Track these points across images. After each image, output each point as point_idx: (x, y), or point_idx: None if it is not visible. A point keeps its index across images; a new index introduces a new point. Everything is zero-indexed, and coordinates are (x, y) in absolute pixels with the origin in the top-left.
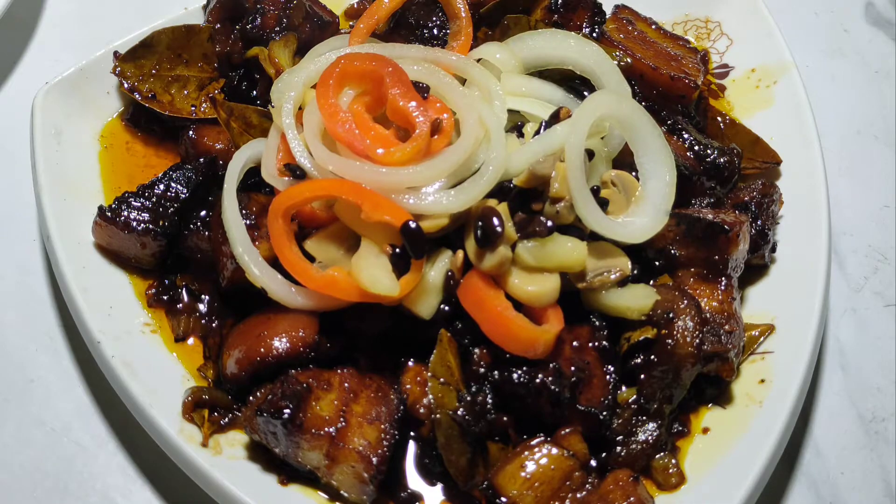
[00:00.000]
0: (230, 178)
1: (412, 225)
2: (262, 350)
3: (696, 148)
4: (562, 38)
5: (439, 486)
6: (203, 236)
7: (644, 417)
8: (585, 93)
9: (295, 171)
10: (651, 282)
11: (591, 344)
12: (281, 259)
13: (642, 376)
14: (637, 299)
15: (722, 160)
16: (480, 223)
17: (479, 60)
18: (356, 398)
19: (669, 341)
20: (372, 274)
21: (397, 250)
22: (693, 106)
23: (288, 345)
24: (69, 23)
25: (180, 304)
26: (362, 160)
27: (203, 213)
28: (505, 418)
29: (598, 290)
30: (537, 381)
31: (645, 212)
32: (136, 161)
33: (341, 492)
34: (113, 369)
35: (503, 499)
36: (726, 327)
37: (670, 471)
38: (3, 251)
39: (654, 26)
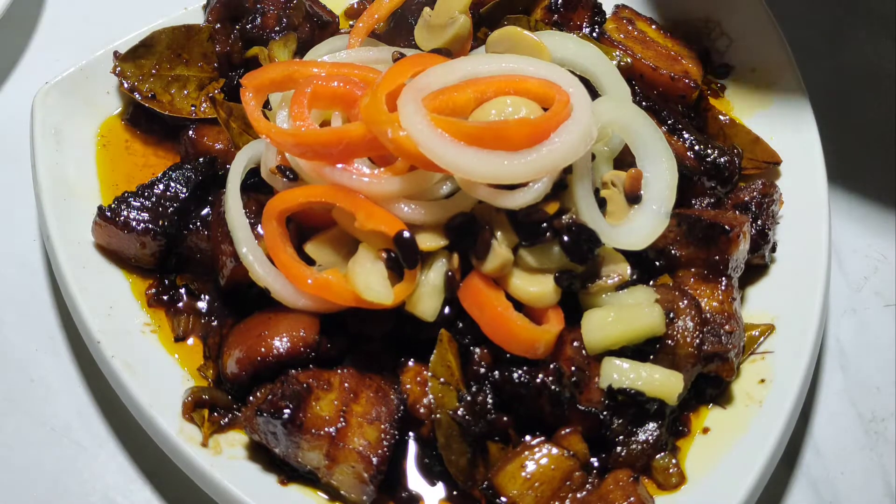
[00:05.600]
0: (233, 178)
1: (405, 235)
2: (263, 350)
3: (697, 148)
4: (560, 39)
5: (439, 485)
6: (203, 236)
7: (644, 417)
8: None
9: (286, 173)
10: (651, 282)
11: None
12: (275, 261)
13: None
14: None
15: (722, 160)
16: (476, 235)
17: None
18: (356, 398)
19: (669, 341)
20: (366, 280)
21: (392, 254)
22: (693, 106)
23: (288, 345)
24: (69, 23)
25: (180, 304)
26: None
27: (203, 212)
28: (505, 418)
29: (598, 294)
30: (537, 380)
31: (646, 215)
32: (135, 160)
33: (341, 492)
34: (113, 369)
35: (503, 499)
36: (726, 327)
37: (670, 471)
38: (3, 251)
39: (654, 26)
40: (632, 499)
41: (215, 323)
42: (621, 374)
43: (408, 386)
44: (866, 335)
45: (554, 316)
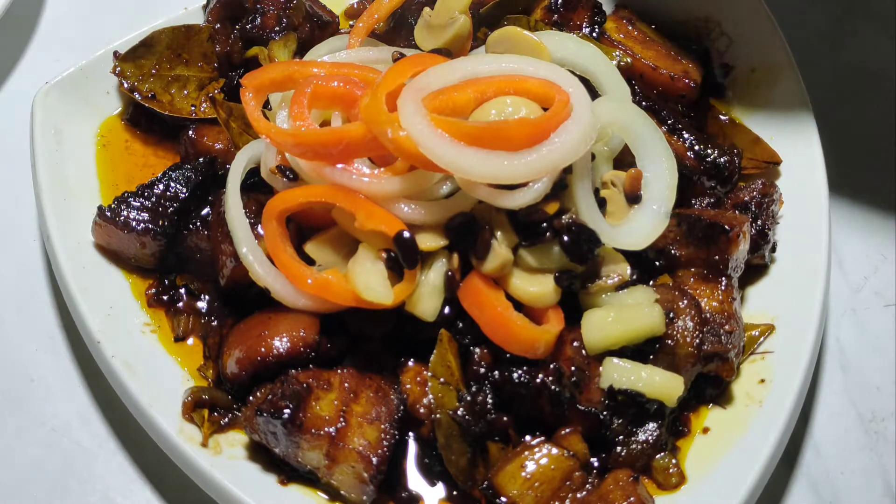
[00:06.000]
0: (233, 178)
1: (405, 235)
2: (263, 350)
3: (696, 148)
4: (560, 39)
5: (439, 485)
6: (203, 236)
7: (644, 417)
8: None
9: (286, 173)
10: (651, 282)
11: None
12: (275, 261)
13: None
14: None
15: (722, 160)
16: (476, 235)
17: None
18: (356, 398)
19: (669, 341)
20: (366, 280)
21: (392, 254)
22: (693, 106)
23: (288, 345)
24: (69, 23)
25: (180, 304)
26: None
27: (203, 212)
28: (505, 418)
29: (598, 294)
30: (537, 380)
31: (646, 215)
32: (135, 160)
33: (341, 492)
34: (113, 369)
35: (503, 499)
36: (726, 327)
37: (670, 471)
38: (3, 251)
39: (654, 26)
40: (632, 499)
41: (215, 323)
42: (622, 374)
43: (408, 386)
44: (866, 335)
45: (554, 316)
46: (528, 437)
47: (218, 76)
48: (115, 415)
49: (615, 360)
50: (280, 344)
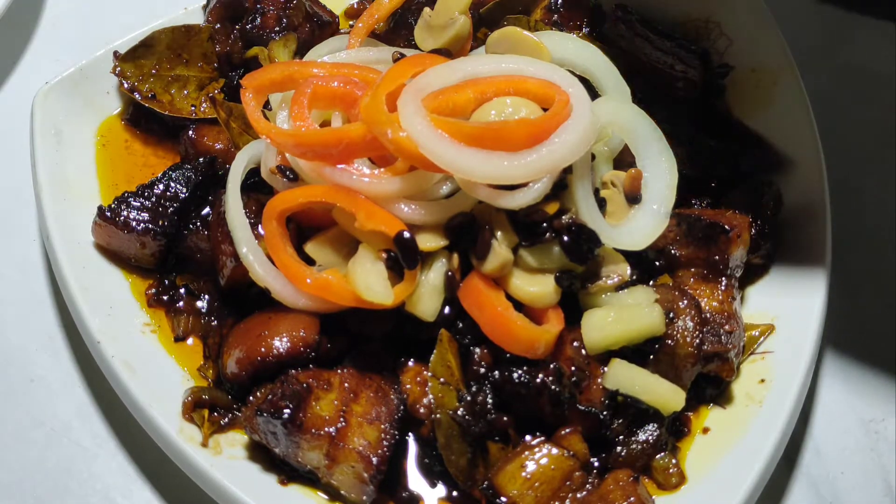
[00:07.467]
0: (233, 178)
1: (406, 235)
2: (263, 350)
3: (697, 148)
4: (560, 39)
5: (439, 486)
6: (203, 236)
7: (644, 418)
8: None
9: (286, 173)
10: (651, 282)
11: None
12: (275, 261)
13: None
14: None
15: (722, 160)
16: (476, 235)
17: None
18: (356, 398)
19: (669, 341)
20: (366, 280)
21: (392, 255)
22: (693, 106)
23: (288, 345)
24: (69, 23)
25: (180, 304)
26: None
27: (203, 212)
28: (505, 418)
29: (598, 294)
30: (538, 380)
31: (646, 215)
32: (134, 160)
33: (341, 492)
34: (113, 369)
35: (503, 499)
36: (726, 327)
37: (670, 471)
38: (3, 251)
39: (654, 26)
40: (632, 499)
41: (215, 323)
42: (627, 378)
43: (408, 386)
44: (866, 335)
45: (554, 316)
46: (528, 437)
47: (218, 76)
48: (115, 415)
49: (624, 363)
50: (280, 344)
